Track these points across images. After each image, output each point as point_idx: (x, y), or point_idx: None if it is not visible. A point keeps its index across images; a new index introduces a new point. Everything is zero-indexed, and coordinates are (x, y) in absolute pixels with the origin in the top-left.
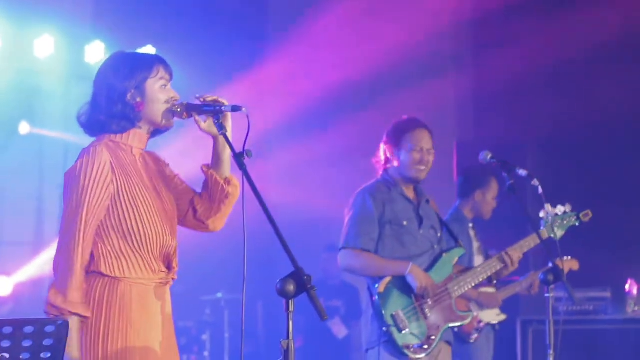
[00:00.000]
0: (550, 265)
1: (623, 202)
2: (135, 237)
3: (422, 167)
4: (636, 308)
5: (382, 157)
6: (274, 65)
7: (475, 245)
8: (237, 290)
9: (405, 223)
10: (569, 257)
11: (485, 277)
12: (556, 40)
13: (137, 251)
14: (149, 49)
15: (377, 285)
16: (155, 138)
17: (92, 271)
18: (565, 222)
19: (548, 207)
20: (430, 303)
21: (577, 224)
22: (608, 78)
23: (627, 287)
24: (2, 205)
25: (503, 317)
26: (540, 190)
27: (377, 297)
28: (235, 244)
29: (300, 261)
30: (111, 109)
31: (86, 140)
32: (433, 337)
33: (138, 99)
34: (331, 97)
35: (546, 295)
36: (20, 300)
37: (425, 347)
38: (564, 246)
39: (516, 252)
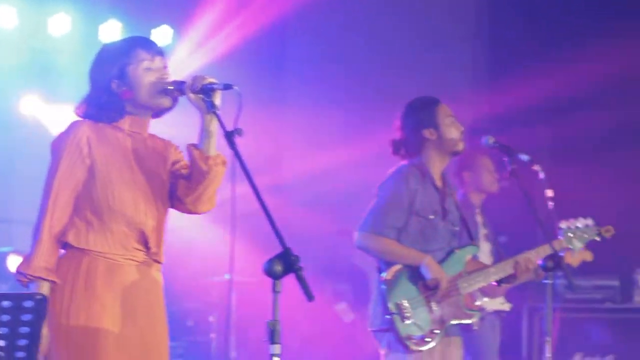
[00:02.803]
0: (551, 252)
1: (632, 189)
2: (105, 211)
3: (463, 137)
4: None
5: (412, 142)
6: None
7: (483, 231)
8: (244, 273)
9: (431, 217)
10: (583, 248)
11: (497, 278)
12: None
13: (106, 225)
14: (165, 29)
15: (385, 272)
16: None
17: (63, 242)
18: (585, 235)
19: (549, 192)
20: (437, 297)
21: (597, 239)
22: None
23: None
24: (12, 184)
25: (507, 305)
26: (541, 175)
27: (383, 283)
28: (241, 226)
29: (308, 244)
30: (99, 101)
31: None
32: (436, 331)
33: (123, 88)
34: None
35: (545, 281)
36: None
37: (428, 340)
38: None
39: (530, 260)
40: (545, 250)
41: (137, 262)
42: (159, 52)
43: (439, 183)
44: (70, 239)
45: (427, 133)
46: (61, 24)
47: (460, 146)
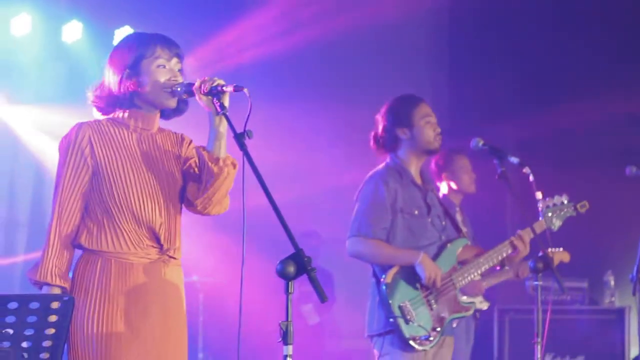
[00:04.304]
0: (540, 253)
1: (601, 191)
2: (114, 210)
3: (439, 138)
4: (613, 299)
5: (388, 139)
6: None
7: (463, 230)
8: (211, 274)
9: (416, 212)
10: (561, 249)
11: (489, 266)
12: None
13: (117, 224)
14: (127, 30)
15: (384, 276)
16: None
17: (76, 244)
18: (562, 212)
19: (539, 195)
20: (435, 294)
21: (574, 214)
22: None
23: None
24: None
25: (486, 304)
26: (531, 177)
27: (384, 286)
28: (210, 226)
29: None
30: (108, 87)
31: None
32: (438, 329)
33: (133, 79)
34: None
35: (535, 283)
36: None
37: (431, 338)
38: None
39: (524, 237)
40: (526, 233)
41: (151, 259)
42: (177, 55)
43: (418, 180)
44: (83, 241)
45: (401, 132)
46: (23, 24)
47: (434, 146)
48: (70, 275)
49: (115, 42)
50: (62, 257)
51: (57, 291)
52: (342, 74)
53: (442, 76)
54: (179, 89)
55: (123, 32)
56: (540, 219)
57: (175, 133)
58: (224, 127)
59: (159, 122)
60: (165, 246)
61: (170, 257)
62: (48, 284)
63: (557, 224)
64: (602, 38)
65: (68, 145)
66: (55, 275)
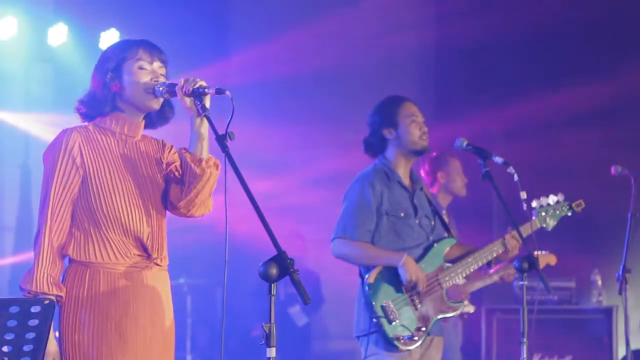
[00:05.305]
0: (526, 253)
1: (588, 190)
2: (102, 220)
3: (425, 137)
4: (600, 298)
5: (375, 141)
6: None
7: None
8: (199, 276)
9: (402, 214)
10: (547, 252)
11: (477, 266)
12: None
13: (104, 234)
14: (113, 33)
15: (367, 276)
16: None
17: (64, 255)
18: (557, 212)
19: (524, 194)
20: (420, 294)
21: (569, 213)
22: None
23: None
24: None
25: (471, 308)
26: (516, 177)
27: (367, 287)
28: (196, 228)
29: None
30: (94, 93)
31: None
32: (423, 329)
33: (115, 81)
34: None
35: (520, 283)
36: None
37: (416, 338)
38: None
39: (515, 236)
40: (516, 235)
41: (139, 268)
42: (160, 59)
43: (406, 181)
44: (71, 252)
45: (387, 132)
46: (8, 27)
47: (420, 145)
48: None
49: (101, 44)
50: (55, 267)
51: (52, 299)
52: (330, 86)
53: (428, 73)
54: (160, 89)
55: (109, 34)
56: (534, 218)
57: (157, 139)
58: (205, 128)
59: (142, 130)
60: (153, 255)
61: (157, 264)
62: (45, 294)
63: (551, 223)
64: (586, 31)
65: (58, 152)
66: (51, 284)
